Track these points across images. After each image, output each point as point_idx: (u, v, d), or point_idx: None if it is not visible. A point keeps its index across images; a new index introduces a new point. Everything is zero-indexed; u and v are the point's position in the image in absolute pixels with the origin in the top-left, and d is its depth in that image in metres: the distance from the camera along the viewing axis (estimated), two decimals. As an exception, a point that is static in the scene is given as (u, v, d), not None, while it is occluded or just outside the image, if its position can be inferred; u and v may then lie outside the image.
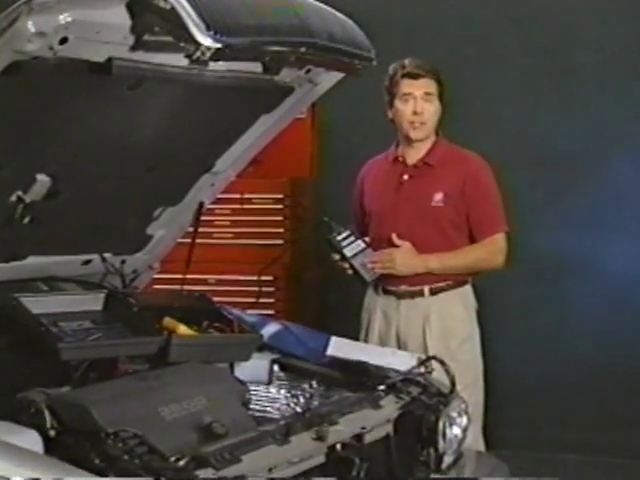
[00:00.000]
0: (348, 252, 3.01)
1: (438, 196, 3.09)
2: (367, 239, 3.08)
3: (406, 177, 3.16)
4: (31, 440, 1.73)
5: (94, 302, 2.36)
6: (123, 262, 2.59)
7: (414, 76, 3.08)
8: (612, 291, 4.21)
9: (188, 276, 2.68)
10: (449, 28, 4.31)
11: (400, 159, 3.18)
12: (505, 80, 4.32)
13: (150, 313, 2.31)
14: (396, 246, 3.06)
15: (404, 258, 3.03)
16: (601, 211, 4.24)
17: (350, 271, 3.04)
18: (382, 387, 2.32)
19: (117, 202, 2.35)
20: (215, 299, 2.54)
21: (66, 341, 2.12)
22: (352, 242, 3.02)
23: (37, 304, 2.20)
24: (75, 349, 2.11)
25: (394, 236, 3.05)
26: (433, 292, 3.09)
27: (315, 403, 2.35)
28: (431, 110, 3.10)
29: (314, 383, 2.41)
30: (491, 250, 3.12)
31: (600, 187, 4.24)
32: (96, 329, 2.23)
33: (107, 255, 2.53)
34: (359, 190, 3.28)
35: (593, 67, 4.24)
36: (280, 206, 4.26)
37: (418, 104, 3.07)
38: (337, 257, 3.03)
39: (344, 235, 3.02)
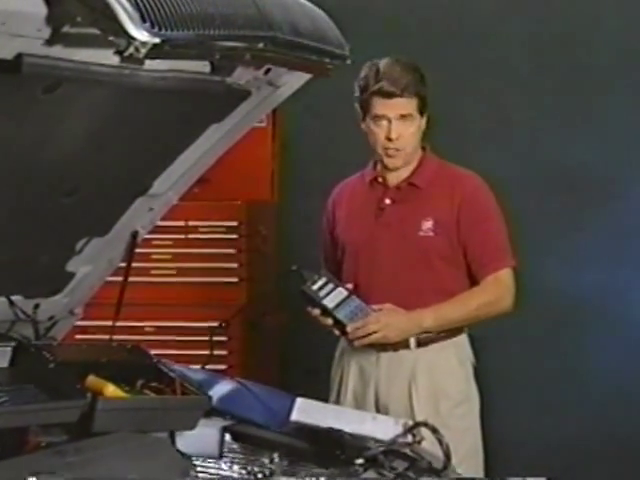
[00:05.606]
0: (329, 303, 2.97)
1: (427, 224, 3.11)
2: (349, 285, 3.05)
3: (388, 201, 3.16)
4: None
5: (-1, 357, 2.33)
6: (36, 307, 2.56)
7: (387, 95, 3.05)
8: None
9: (119, 323, 2.68)
10: (441, 24, 4.36)
11: (380, 180, 3.19)
12: (509, 85, 4.37)
13: (70, 370, 2.29)
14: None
15: (395, 322, 2.99)
16: (625, 243, 4.29)
17: (337, 331, 3.00)
18: (360, 461, 2.31)
19: (29, 232, 2.33)
20: (152, 352, 2.53)
21: (-37, 407, 2.09)
22: (331, 290, 2.99)
23: None
24: (-26, 417, 2.08)
25: (372, 307, 2.96)
26: (421, 343, 3.09)
27: (276, 482, 2.33)
28: (409, 132, 3.08)
29: (275, 456, 2.40)
30: (496, 292, 3.11)
31: (623, 214, 4.29)
32: (1, 392, 2.20)
33: (16, 298, 2.50)
34: (329, 218, 3.28)
35: (615, 70, 4.29)
36: (234, 236, 4.27)
37: (392, 128, 3.05)
38: (317, 312, 3.00)
39: (320, 284, 2.99)
